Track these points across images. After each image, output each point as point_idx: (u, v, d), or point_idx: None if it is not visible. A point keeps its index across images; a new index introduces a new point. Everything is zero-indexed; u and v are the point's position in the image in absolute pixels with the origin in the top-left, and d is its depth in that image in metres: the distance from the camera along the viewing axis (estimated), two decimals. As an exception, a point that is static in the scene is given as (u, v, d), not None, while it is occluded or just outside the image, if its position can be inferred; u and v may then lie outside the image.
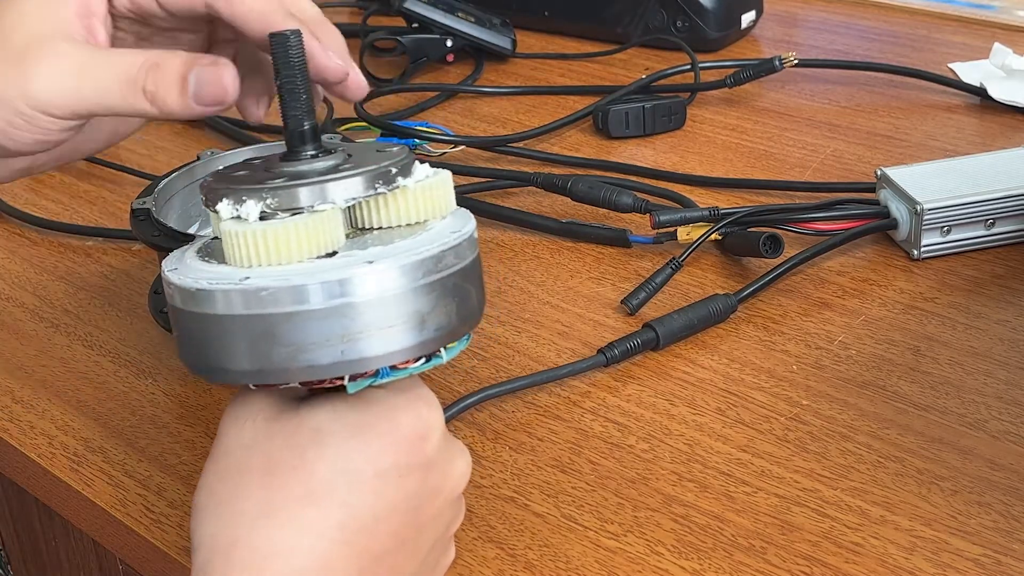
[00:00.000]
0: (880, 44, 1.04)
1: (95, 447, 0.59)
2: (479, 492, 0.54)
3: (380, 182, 0.43)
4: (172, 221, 0.63)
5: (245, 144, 0.73)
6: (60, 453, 0.59)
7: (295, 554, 0.39)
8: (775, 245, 0.67)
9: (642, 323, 0.63)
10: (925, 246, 0.68)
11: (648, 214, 0.71)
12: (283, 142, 0.45)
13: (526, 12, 1.10)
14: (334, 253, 0.42)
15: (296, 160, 0.44)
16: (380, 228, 0.44)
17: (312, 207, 0.41)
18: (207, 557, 0.40)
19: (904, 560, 0.49)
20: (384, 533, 0.41)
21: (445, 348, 0.42)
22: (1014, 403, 0.57)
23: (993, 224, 0.69)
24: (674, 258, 0.67)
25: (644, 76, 0.94)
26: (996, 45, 0.92)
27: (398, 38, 1.00)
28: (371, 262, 0.40)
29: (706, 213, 0.70)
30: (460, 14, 1.02)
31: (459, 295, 0.42)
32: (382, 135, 0.86)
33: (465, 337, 0.43)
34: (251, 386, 0.42)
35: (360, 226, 0.44)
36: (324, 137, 0.46)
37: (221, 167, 0.55)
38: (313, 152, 0.44)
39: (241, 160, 0.48)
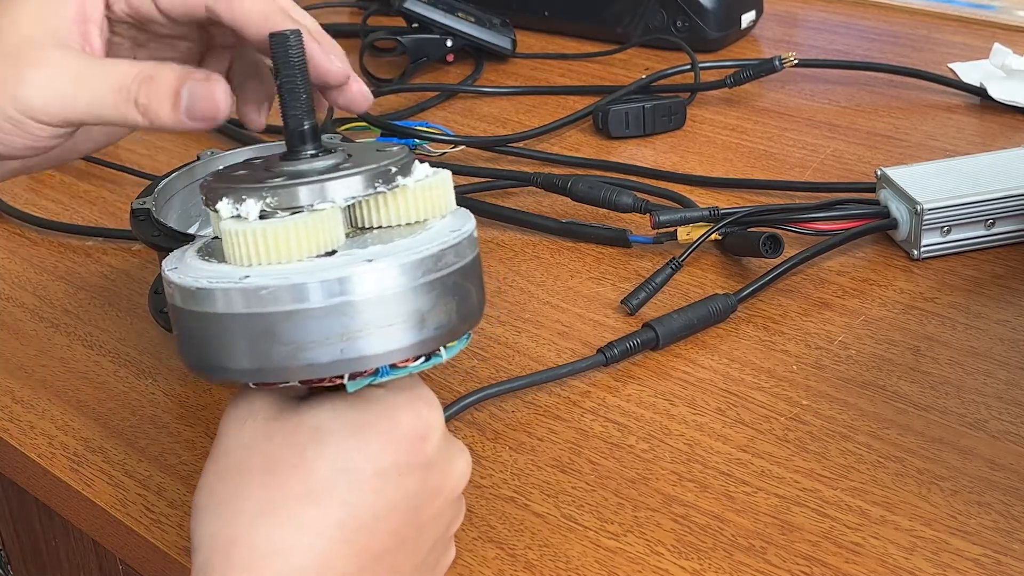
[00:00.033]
0: (880, 44, 1.04)
1: (95, 447, 0.59)
2: (479, 492, 0.54)
3: (380, 181, 0.43)
4: (172, 221, 0.63)
5: (245, 144, 0.73)
6: (60, 453, 0.59)
7: (295, 553, 0.39)
8: (775, 245, 0.67)
9: (642, 323, 0.63)
10: (925, 246, 0.68)
11: (648, 214, 0.71)
12: (283, 142, 0.45)
13: (526, 12, 1.10)
14: (334, 252, 0.42)
15: (296, 160, 0.44)
16: (380, 227, 0.44)
17: (312, 206, 0.41)
18: (207, 556, 0.40)
19: (904, 560, 0.49)
20: (384, 532, 0.41)
21: (445, 347, 0.42)
22: (1014, 403, 0.57)
23: (993, 224, 0.69)
24: (674, 258, 0.67)
25: (644, 76, 0.94)
26: (996, 45, 0.93)
27: (398, 38, 1.00)
28: (371, 260, 0.40)
29: (706, 213, 0.70)
30: (460, 14, 1.02)
31: (459, 294, 0.42)
32: (382, 135, 0.86)
33: (465, 336, 0.43)
34: (251, 385, 0.42)
35: (360, 225, 0.44)
36: (324, 137, 0.46)
37: (221, 167, 0.55)
38: (313, 152, 0.44)
39: (241, 160, 0.48)
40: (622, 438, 0.57)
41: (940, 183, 0.69)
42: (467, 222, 0.44)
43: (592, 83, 0.99)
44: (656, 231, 0.71)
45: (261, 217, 0.41)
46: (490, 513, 0.53)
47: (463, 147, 0.86)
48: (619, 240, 0.72)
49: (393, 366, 0.41)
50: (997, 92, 0.88)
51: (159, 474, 0.57)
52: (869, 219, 0.70)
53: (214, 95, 0.43)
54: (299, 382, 0.41)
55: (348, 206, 0.43)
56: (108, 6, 0.47)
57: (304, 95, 0.44)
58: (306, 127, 0.44)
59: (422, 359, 0.42)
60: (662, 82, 0.94)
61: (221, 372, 0.41)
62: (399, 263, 0.40)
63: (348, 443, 0.41)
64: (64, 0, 0.45)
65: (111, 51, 0.48)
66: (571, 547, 0.51)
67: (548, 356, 0.63)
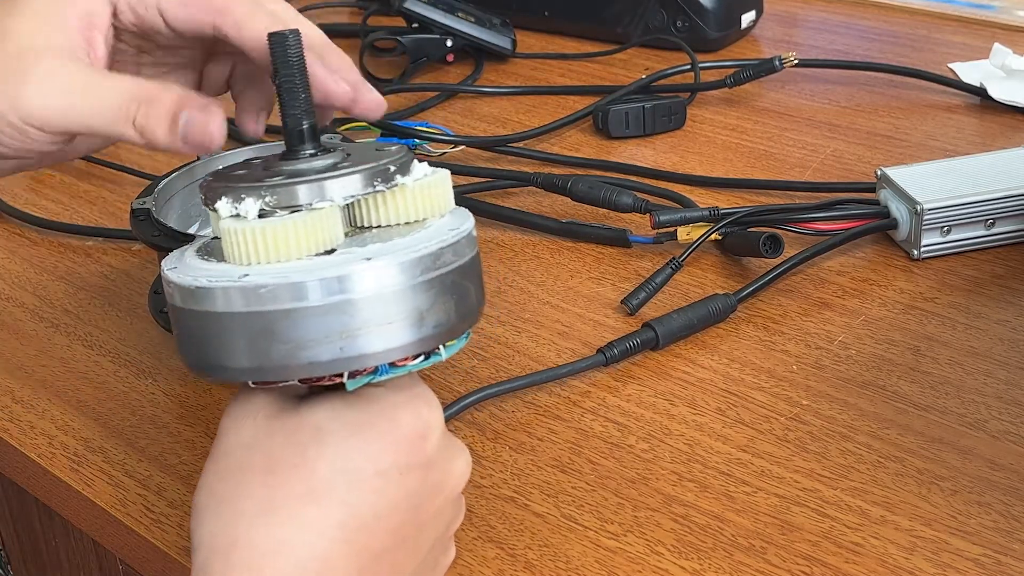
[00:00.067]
0: (880, 44, 1.04)
1: (95, 447, 0.59)
2: (479, 492, 0.54)
3: (379, 180, 0.43)
4: (172, 221, 0.63)
5: (245, 144, 0.73)
6: (60, 453, 0.59)
7: (295, 552, 0.39)
8: (775, 245, 0.67)
9: (642, 323, 0.63)
10: (925, 246, 0.68)
11: (648, 214, 0.71)
12: (282, 142, 0.45)
13: (526, 12, 1.10)
14: (333, 251, 0.42)
15: (295, 159, 0.44)
16: (379, 226, 0.44)
17: (311, 204, 0.42)
18: (207, 556, 0.40)
19: (904, 560, 0.49)
20: (384, 531, 0.41)
21: (444, 346, 0.42)
22: (1014, 403, 0.57)
23: (993, 224, 0.69)
24: (674, 258, 0.67)
25: (644, 76, 0.94)
26: (996, 45, 0.92)
27: (398, 38, 1.00)
28: (369, 259, 0.40)
29: (706, 213, 0.70)
30: (460, 14, 1.02)
31: (458, 292, 0.42)
32: (382, 135, 0.86)
33: (464, 335, 0.43)
34: (251, 384, 0.42)
35: (359, 225, 0.44)
36: (324, 137, 0.46)
37: (221, 167, 0.55)
38: (312, 151, 0.44)
39: (241, 160, 0.48)
40: (622, 438, 0.57)
41: (940, 183, 0.69)
42: (466, 221, 0.44)
43: (592, 83, 0.99)
44: (656, 231, 0.71)
45: (260, 216, 0.41)
46: (490, 513, 0.53)
47: (463, 147, 0.86)
48: (619, 240, 0.72)
49: (392, 364, 0.41)
50: (997, 92, 0.88)
51: (159, 474, 0.57)
52: (869, 219, 0.70)
53: (208, 127, 0.44)
54: (299, 381, 0.41)
55: (347, 205, 0.43)
56: (115, 15, 0.47)
57: (303, 95, 0.44)
58: (305, 127, 0.44)
59: (421, 357, 0.42)
60: (662, 82, 0.94)
61: (221, 371, 0.41)
62: (398, 261, 0.40)
63: (348, 443, 0.41)
64: (71, 7, 0.46)
65: (116, 57, 0.48)
66: (571, 547, 0.51)
67: (548, 356, 0.63)
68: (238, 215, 0.41)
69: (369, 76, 1.01)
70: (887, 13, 1.11)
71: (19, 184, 0.86)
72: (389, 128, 0.86)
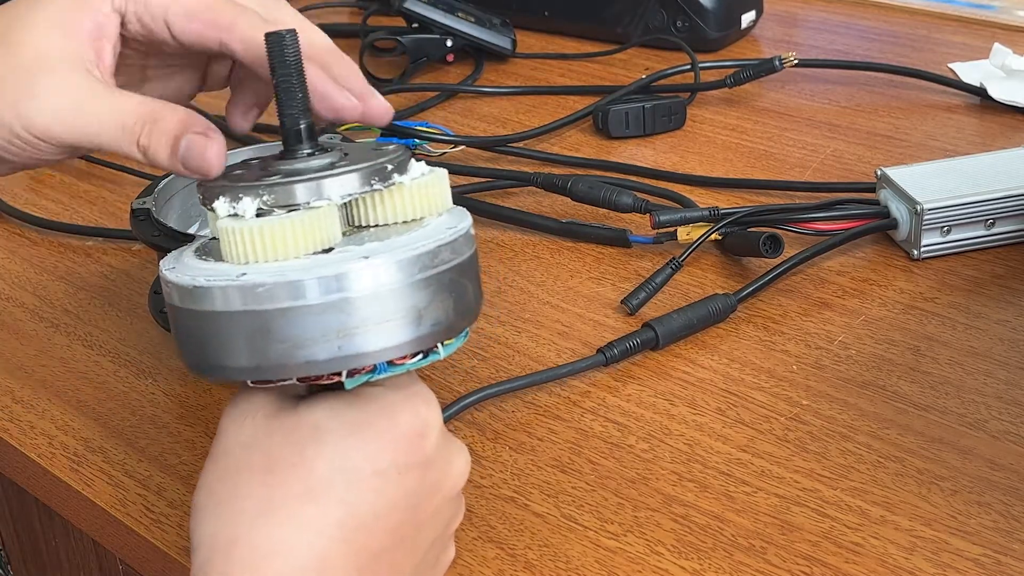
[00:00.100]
0: (880, 44, 1.04)
1: (95, 447, 0.59)
2: (479, 492, 0.54)
3: (376, 179, 0.43)
4: (172, 221, 0.63)
5: (244, 144, 0.73)
6: (60, 453, 0.59)
7: (294, 552, 0.39)
8: (775, 245, 0.67)
9: (642, 323, 0.63)
10: (925, 246, 0.68)
11: (648, 214, 0.70)
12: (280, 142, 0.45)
13: (526, 12, 1.10)
14: (330, 249, 0.42)
15: (293, 159, 0.44)
16: (376, 225, 0.44)
17: (308, 203, 0.42)
18: (207, 556, 0.40)
19: (904, 560, 0.49)
20: (383, 531, 0.41)
21: (443, 344, 0.42)
22: (1014, 403, 0.57)
23: (993, 224, 0.69)
24: (674, 258, 0.67)
25: (644, 76, 0.94)
26: (996, 45, 0.92)
27: (398, 38, 1.00)
28: (367, 257, 0.40)
29: (706, 213, 0.70)
30: (460, 14, 1.02)
31: (456, 291, 0.42)
32: (382, 135, 0.86)
33: (463, 333, 0.43)
34: (249, 383, 0.42)
35: (357, 224, 0.44)
36: (323, 137, 0.46)
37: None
38: (310, 150, 0.44)
39: (240, 160, 0.48)
40: (622, 438, 0.57)
41: (940, 183, 0.69)
42: (463, 219, 0.44)
43: (592, 83, 0.99)
44: (656, 231, 0.71)
45: (258, 215, 0.41)
46: (490, 513, 0.53)
47: (463, 147, 0.86)
48: (619, 240, 0.72)
49: (391, 363, 0.41)
50: (997, 92, 0.88)
51: (159, 474, 0.57)
52: (869, 219, 0.70)
53: (205, 154, 0.44)
54: (297, 380, 0.41)
55: (345, 205, 0.43)
56: (123, 24, 0.47)
57: (300, 94, 0.44)
58: (302, 126, 0.44)
59: (420, 356, 0.42)
60: (662, 82, 0.94)
61: (220, 371, 0.41)
62: (395, 259, 0.40)
63: (347, 442, 0.41)
64: (85, 17, 0.46)
65: (121, 64, 0.48)
66: (571, 547, 0.51)
67: (548, 356, 0.63)
68: (236, 214, 0.42)
69: (369, 76, 1.00)
70: (887, 13, 1.11)
71: (19, 184, 0.86)
72: (389, 128, 0.86)
